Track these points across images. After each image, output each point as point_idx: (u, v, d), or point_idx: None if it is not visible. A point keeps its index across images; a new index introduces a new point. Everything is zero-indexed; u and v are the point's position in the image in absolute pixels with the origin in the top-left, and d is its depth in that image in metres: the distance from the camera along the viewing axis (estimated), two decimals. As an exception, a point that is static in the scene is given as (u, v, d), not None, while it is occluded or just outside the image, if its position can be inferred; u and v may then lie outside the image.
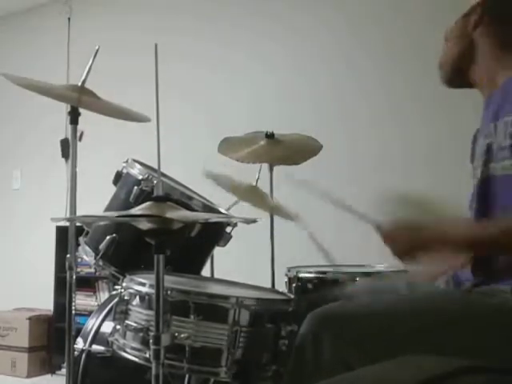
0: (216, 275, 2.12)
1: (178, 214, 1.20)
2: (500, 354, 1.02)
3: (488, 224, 1.16)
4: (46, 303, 3.47)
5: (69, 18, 3.90)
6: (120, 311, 1.40)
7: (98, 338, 1.79)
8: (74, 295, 1.69)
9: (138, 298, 1.38)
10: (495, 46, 1.30)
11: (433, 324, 1.08)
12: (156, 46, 1.24)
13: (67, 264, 1.69)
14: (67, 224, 1.84)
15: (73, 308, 1.68)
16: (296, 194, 2.82)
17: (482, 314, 1.09)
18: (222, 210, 1.86)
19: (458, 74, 1.37)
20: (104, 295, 3.37)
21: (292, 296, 1.58)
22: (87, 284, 3.41)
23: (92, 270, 3.17)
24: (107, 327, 1.76)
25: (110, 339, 1.43)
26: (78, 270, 3.16)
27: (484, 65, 1.32)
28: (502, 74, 1.28)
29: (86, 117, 1.77)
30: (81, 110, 1.74)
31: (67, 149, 3.60)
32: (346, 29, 2.95)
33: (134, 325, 1.36)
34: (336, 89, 2.95)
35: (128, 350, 1.37)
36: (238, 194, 2.00)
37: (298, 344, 1.13)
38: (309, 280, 1.94)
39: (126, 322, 1.39)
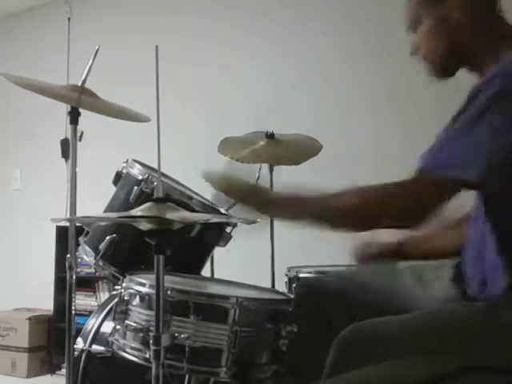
0: (216, 275, 2.12)
1: (178, 215, 1.20)
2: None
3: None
4: (46, 303, 3.47)
5: (69, 18, 3.91)
6: (120, 311, 1.40)
7: (98, 338, 1.79)
8: (73, 295, 1.69)
9: (137, 298, 1.38)
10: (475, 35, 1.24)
11: (455, 346, 1.05)
12: (156, 47, 1.24)
13: (67, 264, 1.69)
14: (67, 224, 1.84)
15: (73, 308, 1.69)
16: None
17: (495, 331, 1.06)
18: (222, 210, 1.86)
19: (451, 65, 1.30)
20: (104, 295, 3.37)
21: (292, 296, 1.58)
22: (87, 284, 3.41)
23: (92, 270, 3.18)
24: (107, 327, 1.76)
25: (110, 339, 1.43)
26: (78, 269, 3.15)
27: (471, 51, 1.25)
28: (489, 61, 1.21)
29: (86, 117, 1.77)
30: (81, 110, 1.74)
31: (67, 149, 3.59)
32: (345, 29, 2.95)
33: (134, 325, 1.36)
34: (336, 89, 2.95)
35: (128, 350, 1.37)
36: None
37: (326, 375, 1.09)
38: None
39: (126, 322, 1.39)
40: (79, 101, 1.69)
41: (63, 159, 3.73)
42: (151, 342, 1.17)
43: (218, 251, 1.92)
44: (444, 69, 1.31)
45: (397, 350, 1.03)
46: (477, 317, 1.10)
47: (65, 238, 1.77)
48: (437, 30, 1.27)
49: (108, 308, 1.85)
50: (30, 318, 3.42)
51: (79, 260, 1.89)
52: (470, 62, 1.27)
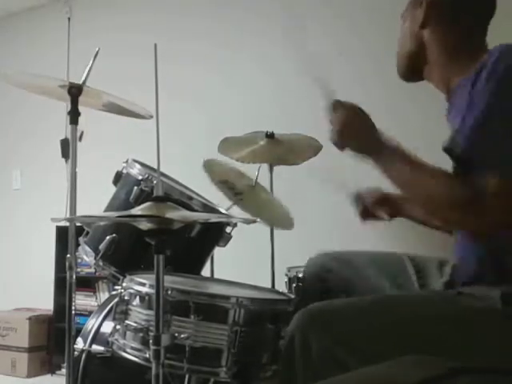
0: (216, 275, 2.12)
1: (178, 214, 1.20)
2: (491, 357, 1.01)
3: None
4: (46, 303, 3.47)
5: (69, 18, 3.91)
6: (120, 311, 1.40)
7: (98, 338, 1.79)
8: (73, 295, 1.69)
9: (138, 298, 1.38)
10: (444, 47, 1.27)
11: (420, 323, 1.08)
12: (155, 45, 1.24)
13: (67, 264, 1.69)
14: (67, 224, 1.84)
15: (73, 308, 1.69)
16: (294, 192, 2.83)
17: (471, 318, 1.08)
18: (222, 210, 1.86)
19: (412, 72, 1.35)
20: (104, 295, 3.37)
21: (292, 296, 1.58)
22: (87, 284, 3.40)
23: (92, 270, 3.18)
24: (107, 327, 1.76)
25: (110, 339, 1.43)
26: (78, 269, 3.16)
27: (435, 66, 1.30)
28: (453, 79, 1.26)
29: (87, 116, 1.77)
30: (81, 110, 1.74)
31: (67, 149, 3.59)
32: (345, 30, 2.95)
33: (134, 325, 1.36)
34: (336, 89, 2.95)
35: (128, 350, 1.37)
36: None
37: (286, 342, 1.12)
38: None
39: (126, 322, 1.39)
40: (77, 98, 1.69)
41: (63, 159, 3.73)
42: (151, 341, 1.17)
43: (217, 251, 1.92)
44: (406, 69, 1.36)
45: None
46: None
47: (65, 238, 1.77)
48: (408, 29, 1.32)
49: (108, 308, 1.85)
50: (29, 318, 3.42)
51: (79, 260, 1.89)
52: (427, 70, 1.32)
